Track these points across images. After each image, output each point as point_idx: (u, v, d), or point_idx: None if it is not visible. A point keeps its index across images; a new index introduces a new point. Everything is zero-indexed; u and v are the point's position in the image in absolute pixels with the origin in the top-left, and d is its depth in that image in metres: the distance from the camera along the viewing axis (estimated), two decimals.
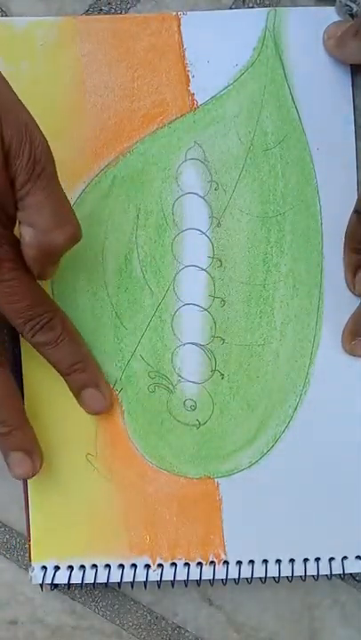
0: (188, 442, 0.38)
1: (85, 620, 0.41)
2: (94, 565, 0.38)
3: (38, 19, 0.37)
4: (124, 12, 0.38)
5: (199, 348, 0.38)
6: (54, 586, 0.39)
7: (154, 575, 0.38)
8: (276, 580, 0.38)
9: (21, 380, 0.38)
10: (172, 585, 0.39)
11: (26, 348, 0.38)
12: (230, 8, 0.38)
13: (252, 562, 0.38)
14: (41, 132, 0.30)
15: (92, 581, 0.38)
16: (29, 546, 0.38)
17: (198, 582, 0.39)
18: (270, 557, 0.38)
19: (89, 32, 0.37)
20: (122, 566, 0.38)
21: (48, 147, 0.30)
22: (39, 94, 0.37)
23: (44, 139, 0.30)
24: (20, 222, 0.31)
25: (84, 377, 0.36)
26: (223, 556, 0.38)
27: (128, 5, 0.38)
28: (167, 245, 0.38)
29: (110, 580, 0.38)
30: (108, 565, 0.38)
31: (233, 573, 0.38)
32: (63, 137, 0.37)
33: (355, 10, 0.36)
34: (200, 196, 0.38)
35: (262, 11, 0.37)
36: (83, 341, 0.37)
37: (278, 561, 0.38)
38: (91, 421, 0.38)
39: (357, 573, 0.40)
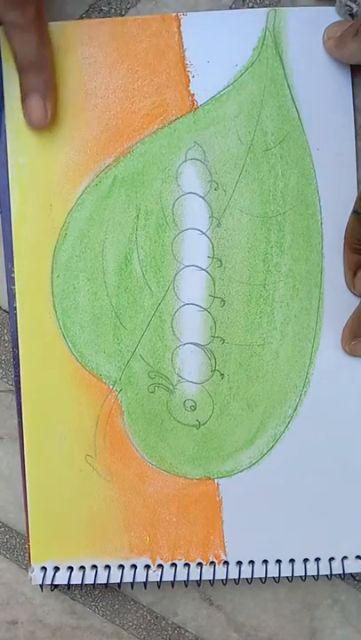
0: (187, 442, 0.38)
1: (85, 620, 0.41)
2: (94, 566, 0.38)
3: None
4: (124, 12, 0.38)
5: (199, 348, 0.38)
6: (54, 586, 0.39)
7: (154, 576, 0.38)
8: (276, 580, 0.38)
9: (20, 381, 0.38)
10: (172, 585, 0.39)
11: (25, 347, 0.38)
12: (230, 8, 0.38)
13: (252, 562, 0.38)
14: None
15: (92, 582, 0.38)
16: (29, 546, 0.38)
17: (198, 582, 0.39)
18: (270, 558, 0.38)
19: (89, 35, 0.37)
20: (122, 567, 0.38)
21: None
22: None
23: None
24: None
25: (36, 81, 0.36)
26: (223, 557, 0.38)
27: (128, 5, 0.38)
28: (167, 245, 0.38)
29: (110, 581, 0.38)
30: (107, 566, 0.38)
31: (233, 574, 0.38)
32: (64, 138, 0.37)
33: (355, 10, 0.36)
34: (200, 196, 0.38)
35: (262, 11, 0.37)
36: (49, 46, 0.36)
37: (278, 561, 0.38)
38: (90, 422, 0.38)
39: (357, 573, 0.40)
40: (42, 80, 0.36)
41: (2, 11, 0.34)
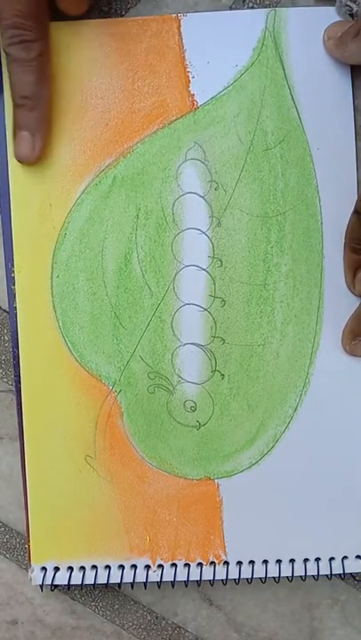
0: (188, 443, 0.38)
1: (85, 620, 0.41)
2: (94, 566, 0.38)
3: None
4: (124, 12, 0.38)
5: (199, 348, 0.38)
6: (54, 586, 0.39)
7: (154, 576, 0.38)
8: (276, 580, 0.38)
9: (20, 381, 0.38)
10: (173, 585, 0.39)
11: (25, 348, 0.38)
12: (230, 8, 0.38)
13: (252, 562, 0.38)
14: None
15: (92, 582, 0.38)
16: (29, 546, 0.38)
17: (198, 583, 0.39)
18: (270, 558, 0.38)
19: (90, 35, 0.37)
20: (122, 567, 0.38)
21: None
22: None
23: None
24: None
25: (28, 117, 0.35)
26: (223, 557, 0.38)
27: (128, 6, 0.38)
28: (167, 245, 0.38)
29: (110, 581, 0.38)
30: (107, 566, 0.38)
31: (233, 574, 0.38)
32: (65, 138, 0.37)
33: (355, 10, 0.36)
34: (200, 196, 0.38)
35: (262, 11, 0.37)
36: (48, 85, 0.36)
37: (278, 561, 0.38)
38: (89, 423, 0.38)
39: (357, 573, 0.40)
40: (34, 117, 0.36)
41: (6, 43, 0.33)
